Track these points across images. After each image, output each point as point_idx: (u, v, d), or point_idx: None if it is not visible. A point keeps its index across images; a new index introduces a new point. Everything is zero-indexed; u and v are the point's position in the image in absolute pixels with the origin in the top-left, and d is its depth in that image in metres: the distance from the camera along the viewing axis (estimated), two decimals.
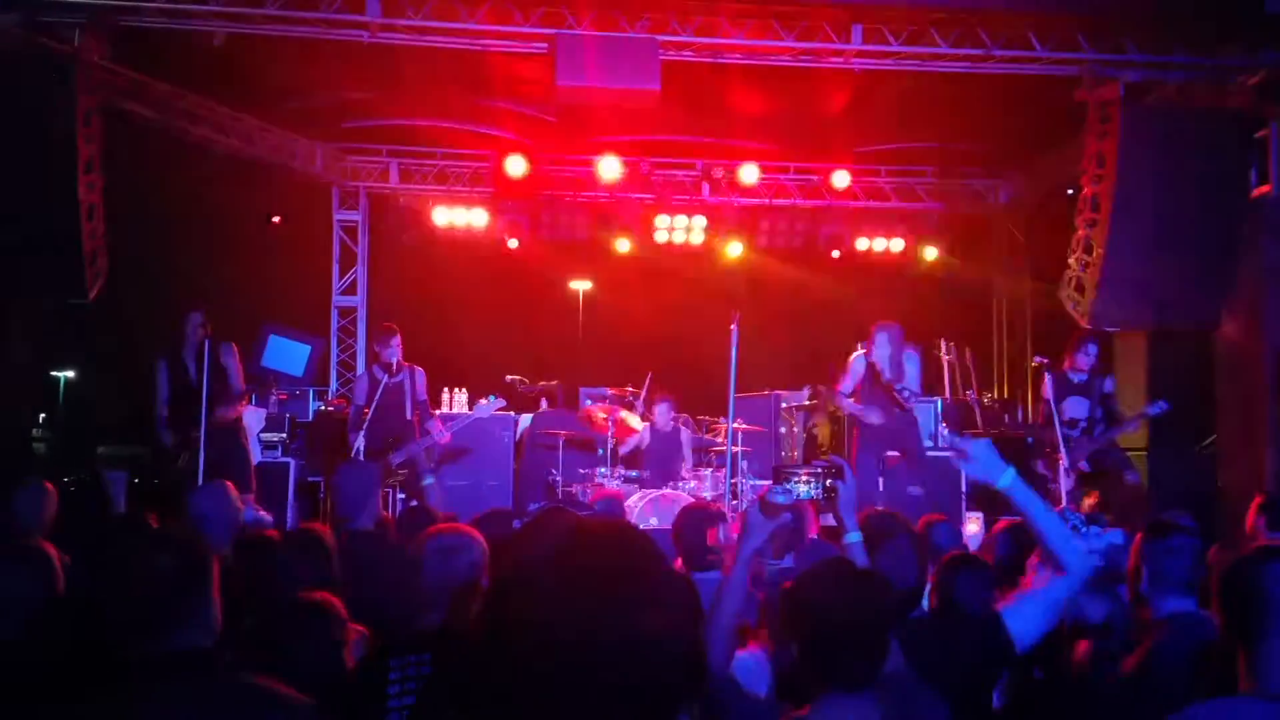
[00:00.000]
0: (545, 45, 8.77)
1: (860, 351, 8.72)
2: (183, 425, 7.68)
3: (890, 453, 8.77)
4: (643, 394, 10.42)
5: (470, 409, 10.70)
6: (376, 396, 8.05)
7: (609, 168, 11.72)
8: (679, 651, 1.25)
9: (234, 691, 2.27)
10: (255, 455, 8.92)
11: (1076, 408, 8.60)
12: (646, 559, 1.29)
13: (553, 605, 1.21)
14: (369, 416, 7.94)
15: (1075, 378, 8.65)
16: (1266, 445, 8.69)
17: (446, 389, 10.98)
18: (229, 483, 5.09)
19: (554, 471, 9.93)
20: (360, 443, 7.89)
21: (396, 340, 8.24)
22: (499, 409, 9.01)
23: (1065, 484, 8.33)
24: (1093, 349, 8.67)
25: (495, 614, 1.26)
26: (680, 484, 9.37)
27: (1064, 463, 8.30)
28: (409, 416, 8.30)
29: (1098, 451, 8.55)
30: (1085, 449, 8.52)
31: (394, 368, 8.19)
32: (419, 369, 8.42)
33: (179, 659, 2.27)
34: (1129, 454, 8.97)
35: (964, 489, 9.91)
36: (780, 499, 2.89)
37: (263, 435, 10.03)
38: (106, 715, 2.22)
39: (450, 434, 8.51)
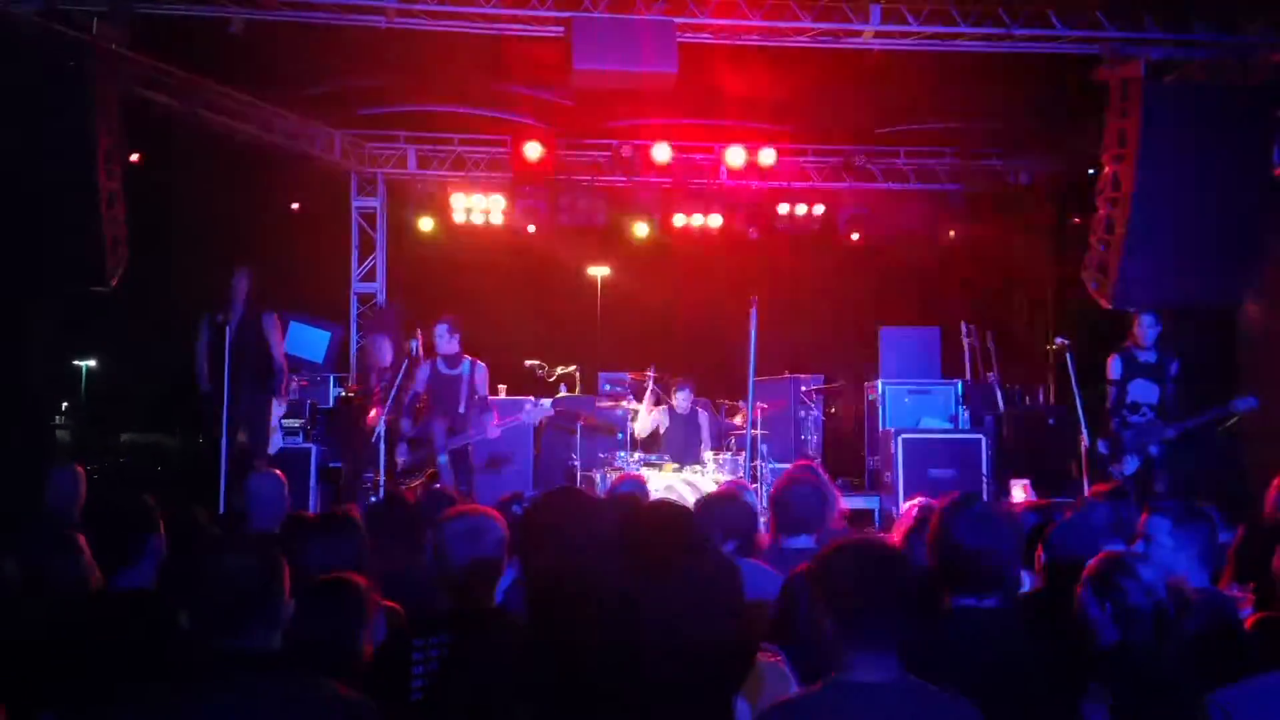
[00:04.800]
0: (561, 29, 8.76)
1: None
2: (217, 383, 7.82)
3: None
4: (649, 387, 10.37)
5: (491, 395, 10.76)
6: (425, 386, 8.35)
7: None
8: (732, 629, 1.26)
9: (302, 691, 2.43)
10: (276, 443, 9.02)
11: (1144, 391, 8.33)
12: (694, 540, 1.30)
13: (609, 587, 1.21)
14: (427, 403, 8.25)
15: (1143, 357, 8.37)
16: None
17: None
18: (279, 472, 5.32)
19: (573, 456, 9.95)
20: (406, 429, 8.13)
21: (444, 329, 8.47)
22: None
23: (1129, 467, 8.21)
24: (1147, 320, 8.37)
25: (550, 597, 1.27)
26: (700, 467, 9.38)
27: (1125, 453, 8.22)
28: (462, 409, 8.44)
29: (1170, 441, 8.21)
30: (1157, 433, 8.22)
31: (454, 359, 8.45)
32: (481, 364, 8.61)
33: (251, 656, 2.45)
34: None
35: (985, 471, 9.90)
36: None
37: (283, 421, 10.08)
38: (180, 707, 2.38)
39: (500, 432, 8.64)
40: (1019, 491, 9.04)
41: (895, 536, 4.34)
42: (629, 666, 1.22)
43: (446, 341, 8.37)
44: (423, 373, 8.54)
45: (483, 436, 8.49)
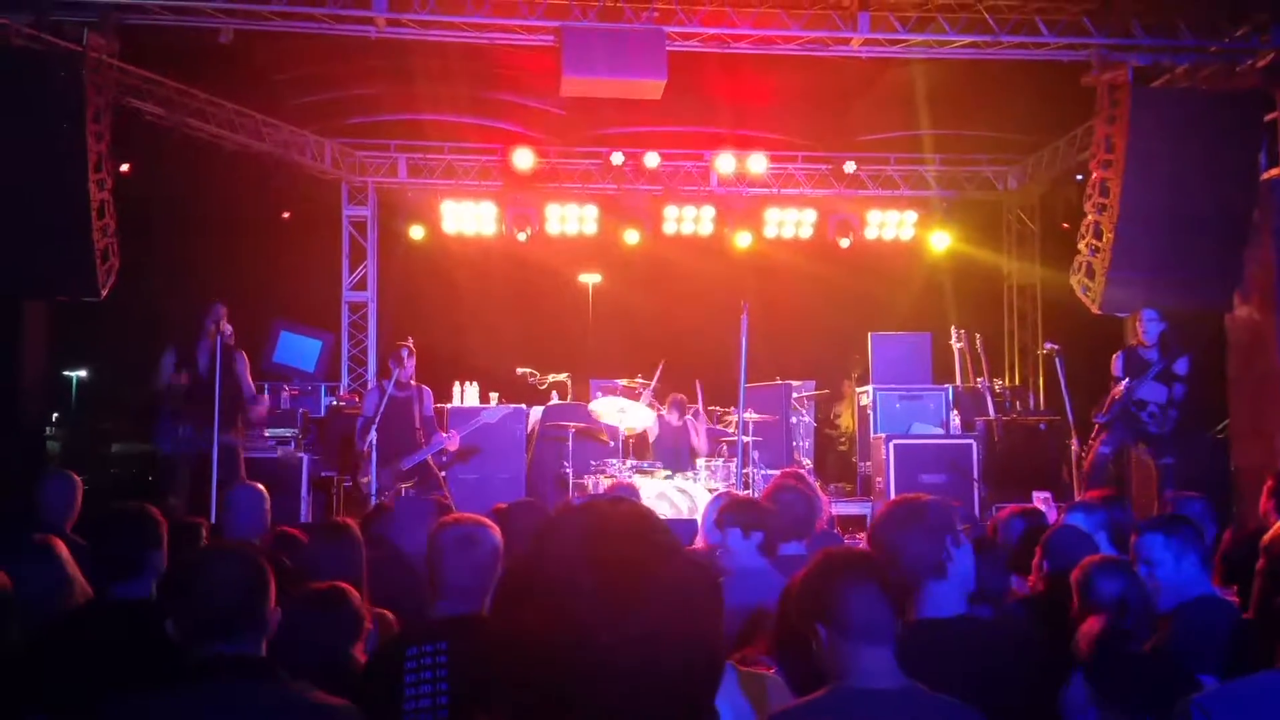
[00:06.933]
0: (552, 38, 8.78)
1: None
2: (193, 418, 7.78)
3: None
4: (653, 383, 10.43)
5: (481, 402, 10.77)
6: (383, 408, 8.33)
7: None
8: (705, 638, 1.25)
9: (286, 698, 2.45)
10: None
11: (1148, 389, 8.38)
12: (666, 544, 1.30)
13: (574, 595, 1.21)
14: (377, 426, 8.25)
15: (1145, 354, 8.44)
16: (1279, 428, 8.66)
17: (457, 383, 11.00)
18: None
19: (565, 464, 9.95)
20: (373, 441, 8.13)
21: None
22: (505, 414, 9.40)
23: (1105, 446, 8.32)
24: (1146, 315, 8.46)
25: (513, 606, 1.27)
26: (692, 474, 9.39)
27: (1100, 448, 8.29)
28: (417, 426, 8.60)
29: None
30: (1169, 446, 8.29)
31: (406, 383, 8.53)
32: (426, 388, 8.78)
33: (236, 662, 2.46)
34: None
35: (976, 476, 9.93)
36: None
37: (275, 431, 10.08)
38: (164, 711, 2.40)
39: (459, 439, 8.71)
40: (1041, 504, 9.08)
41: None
42: (596, 675, 1.21)
43: (406, 365, 8.44)
44: (372, 398, 8.60)
45: (440, 447, 8.68)
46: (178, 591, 2.61)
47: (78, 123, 8.10)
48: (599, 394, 10.94)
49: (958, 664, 2.74)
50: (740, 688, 2.58)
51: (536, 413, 10.93)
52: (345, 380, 12.66)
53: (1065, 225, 11.65)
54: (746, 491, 8.78)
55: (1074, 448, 8.57)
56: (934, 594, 2.88)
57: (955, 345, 11.81)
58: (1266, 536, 2.95)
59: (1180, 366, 8.39)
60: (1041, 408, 12.38)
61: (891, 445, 10.14)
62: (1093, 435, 8.50)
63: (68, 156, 8.11)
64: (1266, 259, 9.03)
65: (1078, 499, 6.46)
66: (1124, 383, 8.46)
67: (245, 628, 2.51)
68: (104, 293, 8.51)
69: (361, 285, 13.04)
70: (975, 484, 9.87)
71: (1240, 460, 9.17)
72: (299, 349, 11.67)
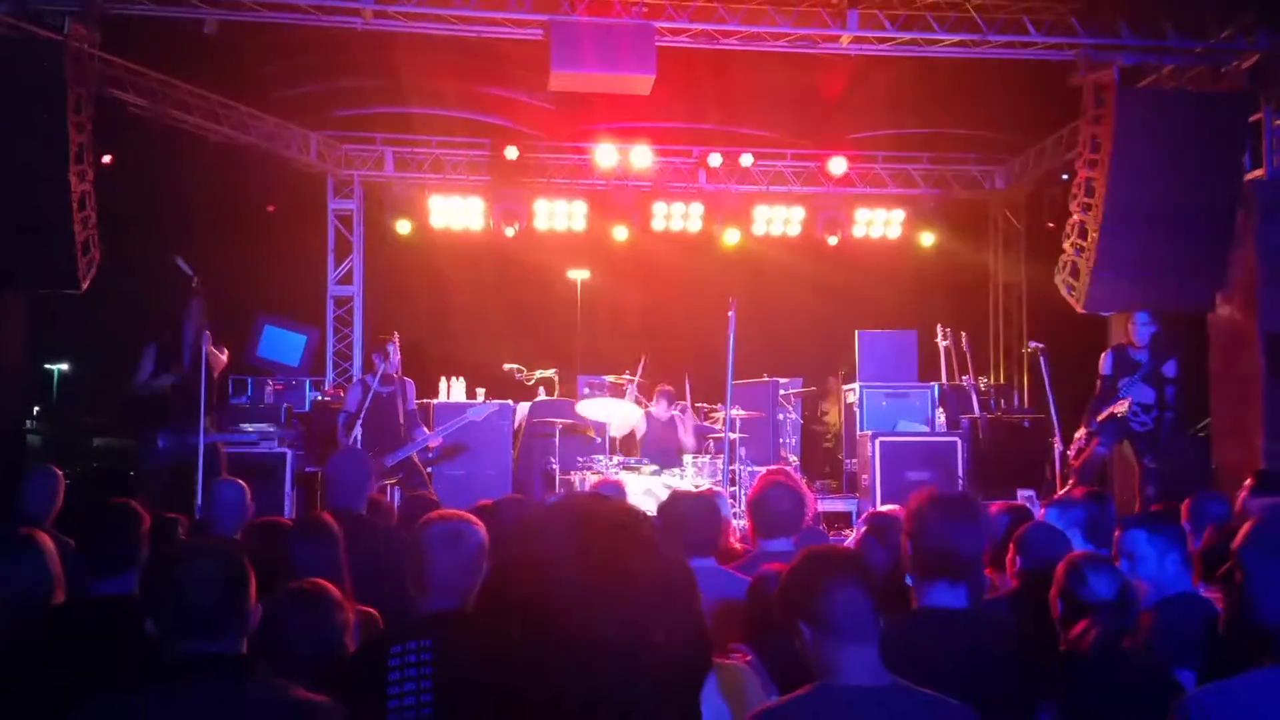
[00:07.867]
0: (540, 31, 8.75)
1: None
2: (171, 420, 7.74)
3: None
4: (637, 378, 10.42)
5: (467, 398, 10.73)
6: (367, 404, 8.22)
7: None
8: (689, 630, 1.25)
9: (267, 695, 2.43)
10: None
11: (1135, 390, 8.31)
12: (647, 539, 1.29)
13: (559, 591, 1.20)
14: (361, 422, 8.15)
15: (1135, 355, 8.37)
16: (1260, 427, 8.71)
17: (444, 378, 10.96)
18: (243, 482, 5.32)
19: (551, 460, 9.93)
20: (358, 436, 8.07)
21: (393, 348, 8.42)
22: (491, 411, 9.31)
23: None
24: (1140, 319, 8.39)
25: (502, 601, 1.26)
26: (679, 470, 9.38)
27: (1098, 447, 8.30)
28: (401, 422, 8.48)
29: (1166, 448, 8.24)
30: (1148, 445, 8.25)
31: (389, 378, 8.37)
32: (409, 381, 8.61)
33: (215, 660, 2.44)
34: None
35: (960, 473, 9.96)
36: None
37: (258, 426, 10.01)
38: (142, 710, 2.38)
39: (440, 439, 8.64)
40: (1025, 502, 9.09)
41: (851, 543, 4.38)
42: (585, 671, 1.20)
43: (391, 358, 8.37)
44: (355, 394, 8.50)
45: (424, 444, 8.54)
46: (157, 589, 2.59)
47: (59, 113, 8.03)
48: (586, 390, 10.92)
49: (939, 659, 2.76)
50: (718, 688, 2.57)
51: (523, 409, 10.90)
52: (330, 375, 12.59)
53: (1051, 224, 11.69)
54: (733, 488, 8.79)
55: (1057, 446, 8.59)
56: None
57: (941, 343, 11.83)
58: (1236, 540, 2.96)
59: (1169, 369, 8.37)
60: (1026, 406, 12.42)
61: (877, 442, 10.17)
62: (1088, 434, 8.50)
63: (48, 147, 8.05)
64: (1248, 259, 9.09)
65: (1058, 495, 6.49)
66: (1103, 382, 8.47)
67: (225, 625, 2.49)
68: (85, 285, 8.45)
69: (347, 279, 12.98)
70: (960, 481, 9.90)
71: (1221, 458, 9.22)
72: (283, 343, 11.59)
